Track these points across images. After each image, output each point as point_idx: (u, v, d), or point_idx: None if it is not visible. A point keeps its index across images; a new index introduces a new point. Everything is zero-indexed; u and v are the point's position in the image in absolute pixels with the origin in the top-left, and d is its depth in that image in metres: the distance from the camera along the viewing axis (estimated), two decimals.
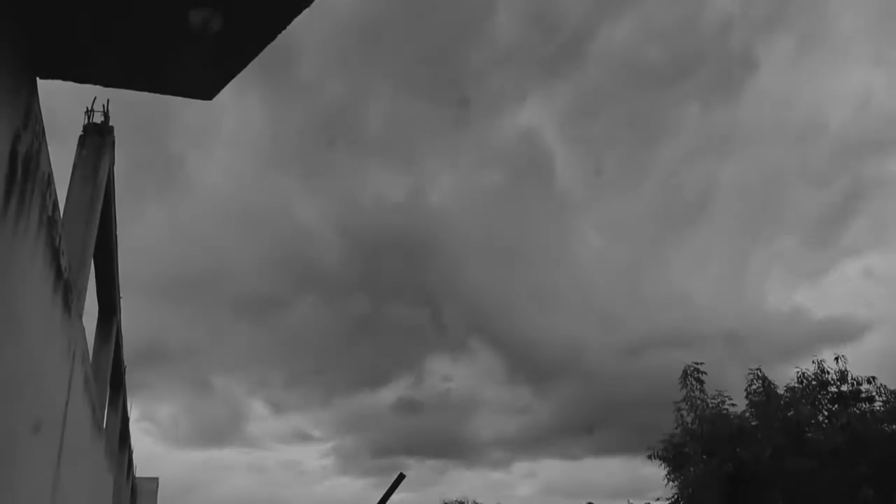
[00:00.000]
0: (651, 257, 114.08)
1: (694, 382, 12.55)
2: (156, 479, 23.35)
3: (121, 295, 8.35)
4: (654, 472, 15.98)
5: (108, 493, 10.79)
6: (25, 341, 3.26)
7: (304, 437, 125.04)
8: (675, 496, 13.15)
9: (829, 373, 11.79)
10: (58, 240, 3.58)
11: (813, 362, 11.97)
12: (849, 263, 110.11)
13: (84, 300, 5.26)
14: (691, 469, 12.22)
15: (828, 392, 11.76)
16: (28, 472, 3.87)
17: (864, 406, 11.67)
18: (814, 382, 11.80)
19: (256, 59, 2.81)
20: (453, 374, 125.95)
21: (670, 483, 12.99)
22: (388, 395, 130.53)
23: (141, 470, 19.45)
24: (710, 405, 12.20)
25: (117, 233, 6.90)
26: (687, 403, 12.43)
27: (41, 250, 3.25)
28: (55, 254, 3.58)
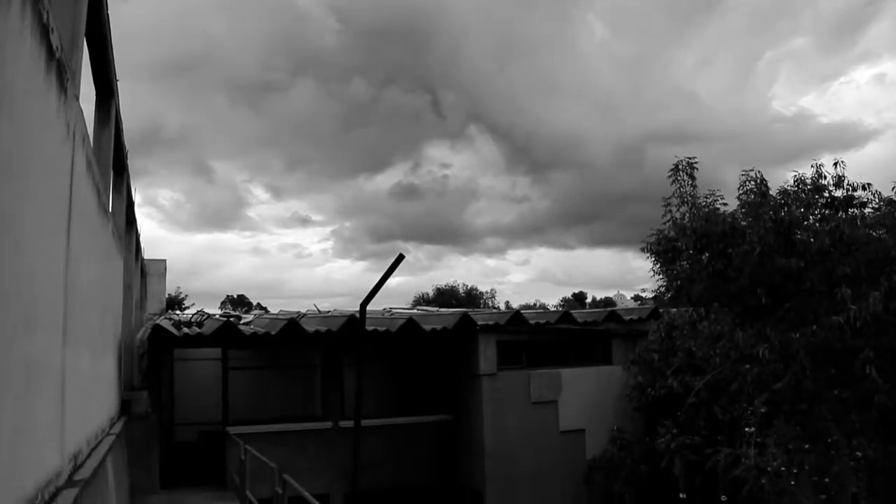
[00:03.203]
0: (656, 51, 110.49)
1: (686, 178, 12.52)
2: (163, 261, 24.22)
3: (117, 78, 8.19)
4: (644, 266, 16.53)
5: (119, 274, 11.23)
6: (22, 122, 3.24)
7: (303, 222, 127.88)
8: (661, 288, 13.71)
9: (825, 177, 11.82)
10: (45, 16, 3.45)
11: (812, 166, 11.98)
12: (862, 69, 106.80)
13: (79, 81, 5.17)
14: (681, 263, 12.59)
15: (822, 196, 11.86)
16: (38, 254, 4.00)
17: (856, 211, 11.82)
18: (809, 186, 11.87)
19: None
20: (451, 162, 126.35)
21: (657, 276, 13.47)
22: (387, 180, 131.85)
23: (147, 253, 20.09)
24: (703, 203, 12.30)
25: (108, 13, 6.64)
26: (677, 199, 12.48)
27: (28, 26, 3.14)
28: (44, 31, 3.47)
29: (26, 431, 3.81)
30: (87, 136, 5.99)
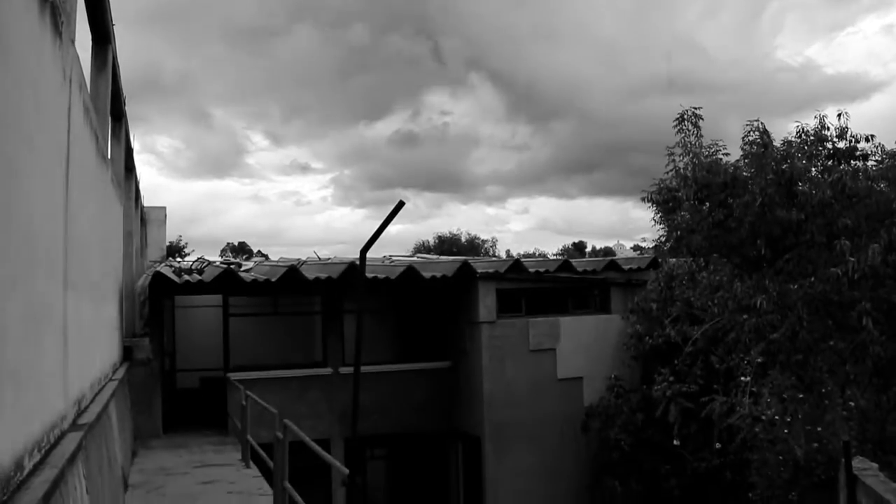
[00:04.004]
0: None
1: (690, 127, 12.41)
2: (163, 209, 24.18)
3: (113, 22, 8.07)
4: (644, 216, 16.50)
5: (119, 221, 11.22)
6: (16, 66, 3.20)
7: (303, 169, 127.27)
8: (661, 238, 13.70)
9: (829, 128, 11.70)
10: None
11: (815, 117, 11.85)
12: (870, 20, 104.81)
13: (74, 25, 5.10)
14: (682, 213, 12.56)
15: (825, 147, 11.76)
16: (37, 199, 3.99)
17: (858, 164, 11.74)
18: (812, 137, 11.76)
19: None
20: (452, 110, 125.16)
21: (658, 226, 13.43)
22: (386, 128, 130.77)
23: (147, 200, 20.05)
24: (705, 154, 12.21)
25: None
26: (681, 148, 12.38)
27: None
28: None
29: (30, 376, 3.86)
30: (84, 81, 5.93)
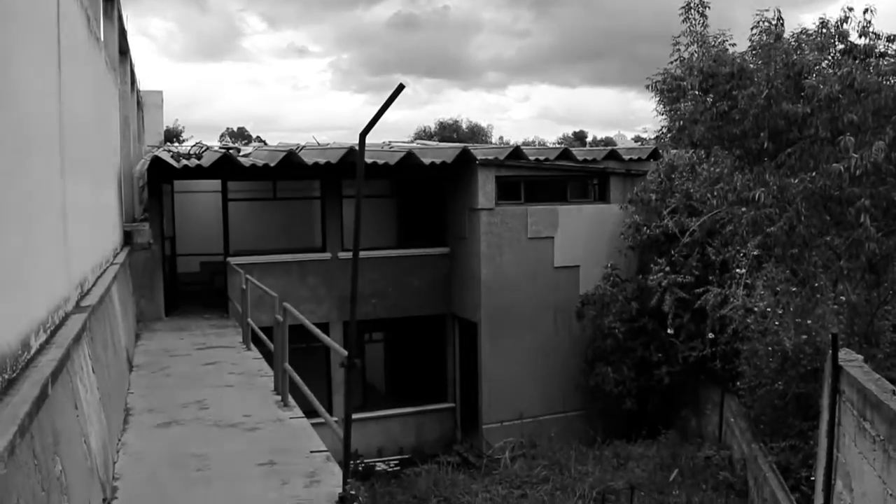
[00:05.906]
0: None
1: (697, 17, 12.03)
2: (160, 93, 23.74)
3: None
4: (646, 107, 16.20)
5: (115, 104, 11.06)
6: None
7: (300, 52, 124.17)
8: (663, 129, 13.48)
9: (850, 21, 11.26)
10: None
11: (842, 10, 11.39)
12: None
13: None
14: (685, 103, 12.34)
15: (845, 42, 11.36)
16: (27, 81, 3.91)
17: (872, 60, 11.38)
18: (832, 30, 11.34)
19: None
20: None
21: (660, 117, 13.21)
22: (385, 10, 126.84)
23: (142, 84, 19.65)
24: (712, 44, 11.86)
25: None
26: (688, 37, 12.03)
27: None
28: None
29: (31, 258, 3.90)
30: None
